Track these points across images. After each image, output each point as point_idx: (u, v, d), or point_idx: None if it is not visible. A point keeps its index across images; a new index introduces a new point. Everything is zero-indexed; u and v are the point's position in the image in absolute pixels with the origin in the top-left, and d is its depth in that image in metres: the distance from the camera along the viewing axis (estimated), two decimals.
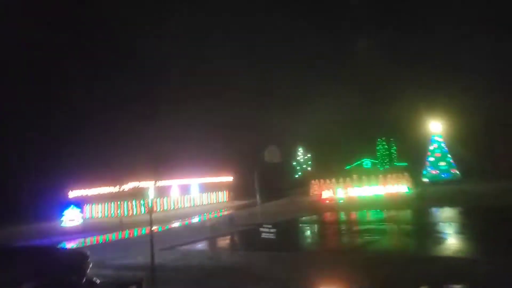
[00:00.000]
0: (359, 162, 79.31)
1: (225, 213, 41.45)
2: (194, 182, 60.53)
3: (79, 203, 43.53)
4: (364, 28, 76.91)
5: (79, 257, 9.17)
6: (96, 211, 56.56)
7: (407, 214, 29.34)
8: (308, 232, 25.42)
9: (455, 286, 10.05)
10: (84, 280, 8.43)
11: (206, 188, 63.01)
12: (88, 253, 9.58)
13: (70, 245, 26.25)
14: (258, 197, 28.36)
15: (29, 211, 51.60)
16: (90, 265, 8.99)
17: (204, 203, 62.01)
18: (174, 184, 56.61)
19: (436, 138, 54.77)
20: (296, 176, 70.14)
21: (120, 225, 38.77)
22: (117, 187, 52.25)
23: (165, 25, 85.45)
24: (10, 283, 7.19)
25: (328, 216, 32.12)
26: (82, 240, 28.69)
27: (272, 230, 18.22)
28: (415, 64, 79.69)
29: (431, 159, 54.26)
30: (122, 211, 51.82)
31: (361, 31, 76.47)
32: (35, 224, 46.42)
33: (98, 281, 8.85)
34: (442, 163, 53.22)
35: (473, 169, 52.16)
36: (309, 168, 68.36)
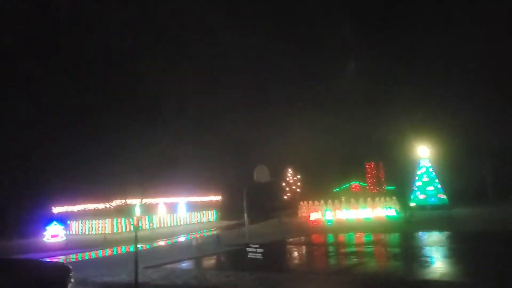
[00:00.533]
0: (347, 185, 79.46)
1: (212, 232, 41.02)
2: (182, 200, 60.04)
3: (63, 219, 42.82)
4: (353, 52, 78.03)
5: (61, 271, 8.97)
6: (80, 228, 55.68)
7: (394, 237, 29.30)
8: (295, 254, 25.18)
9: None
10: None
11: (194, 207, 62.47)
12: (71, 267, 9.35)
13: (53, 260, 25.64)
14: (246, 217, 28.12)
15: (12, 226, 50.62)
16: (72, 280, 8.77)
17: (191, 222, 61.41)
18: (161, 202, 56.10)
19: (424, 163, 55.19)
20: (285, 197, 69.82)
21: (104, 242, 38.20)
22: (103, 203, 51.61)
23: (155, 40, 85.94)
24: None
25: (316, 238, 31.95)
26: (64, 256, 28.08)
27: (259, 250, 17.97)
28: (404, 89, 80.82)
29: (419, 183, 54.55)
30: (107, 228, 51.06)
31: (350, 55, 77.58)
32: (17, 240, 45.48)
33: None
34: (430, 188, 53.50)
35: (460, 195, 52.51)
36: (298, 190, 68.06)
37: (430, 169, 54.76)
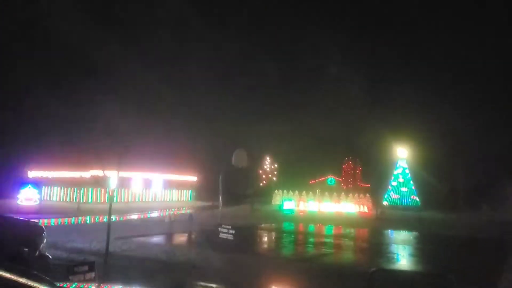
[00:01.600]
0: (324, 179, 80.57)
1: (186, 211, 41.20)
2: (158, 177, 59.93)
3: (37, 183, 42.17)
4: (338, 55, 78.42)
5: (33, 229, 8.96)
6: (54, 194, 55.18)
7: (364, 232, 29.98)
8: (265, 239, 25.66)
9: None
10: (37, 253, 8.23)
11: (169, 185, 62.40)
12: (44, 227, 9.40)
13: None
14: (221, 199, 28.35)
15: None
16: (45, 240, 8.79)
17: (166, 199, 61.37)
18: (137, 176, 55.84)
19: (401, 164, 56.19)
20: (261, 184, 70.39)
21: (77, 211, 38.04)
22: (79, 172, 51.21)
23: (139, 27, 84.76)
24: None
25: (287, 226, 32.49)
26: (37, 220, 27.94)
27: (231, 231, 18.26)
28: (387, 91, 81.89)
29: (394, 183, 55.60)
30: (81, 197, 50.72)
31: (336, 57, 77.99)
32: None
33: (50, 257, 8.67)
34: (404, 189, 54.62)
35: (432, 199, 53.74)
36: (274, 178, 68.67)
37: (407, 171, 55.84)
